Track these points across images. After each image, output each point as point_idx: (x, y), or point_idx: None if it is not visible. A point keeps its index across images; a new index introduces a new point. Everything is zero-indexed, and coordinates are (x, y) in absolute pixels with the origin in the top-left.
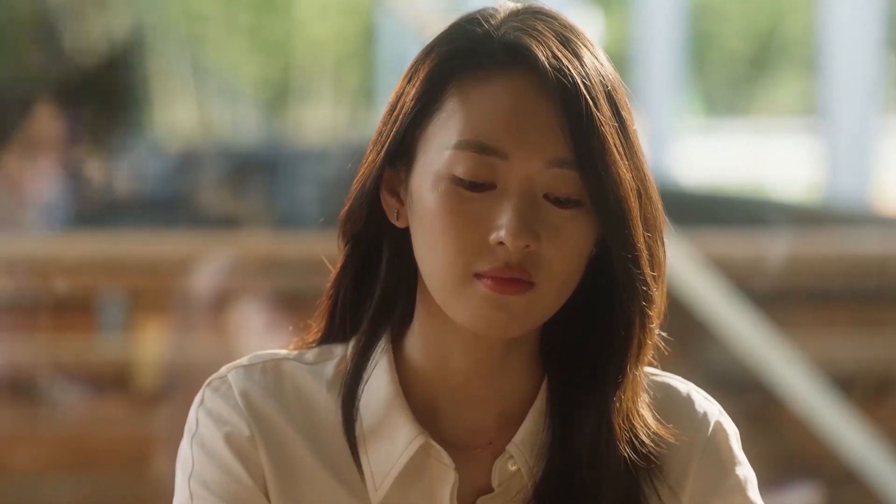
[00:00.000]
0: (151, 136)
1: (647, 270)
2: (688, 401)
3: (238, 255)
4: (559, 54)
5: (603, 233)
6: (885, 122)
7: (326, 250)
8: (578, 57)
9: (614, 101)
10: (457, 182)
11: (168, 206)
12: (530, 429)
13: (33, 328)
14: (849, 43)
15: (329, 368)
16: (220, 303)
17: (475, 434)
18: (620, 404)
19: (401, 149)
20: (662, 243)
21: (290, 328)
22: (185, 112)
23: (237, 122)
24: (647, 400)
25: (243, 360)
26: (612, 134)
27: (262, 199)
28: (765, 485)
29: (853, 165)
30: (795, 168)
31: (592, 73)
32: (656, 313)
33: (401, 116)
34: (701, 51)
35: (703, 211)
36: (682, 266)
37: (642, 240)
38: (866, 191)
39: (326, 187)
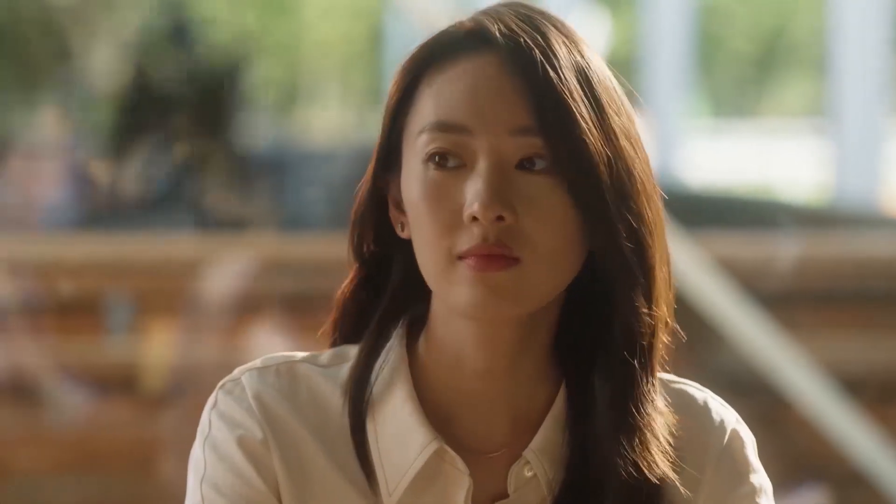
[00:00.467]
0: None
1: (624, 242)
2: (704, 408)
3: (251, 258)
4: (517, 28)
5: (573, 201)
6: (893, 124)
7: (334, 252)
8: (540, 32)
9: (587, 77)
10: (430, 166)
11: (175, 207)
12: (547, 435)
13: (40, 330)
14: (857, 44)
15: (343, 371)
16: (233, 306)
17: (490, 439)
18: (635, 409)
19: (390, 157)
20: (647, 225)
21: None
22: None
23: (244, 123)
24: (661, 408)
25: (257, 363)
26: (577, 102)
27: (270, 200)
28: (773, 488)
29: (861, 167)
30: (803, 169)
31: (556, 46)
32: (649, 301)
33: (383, 125)
34: (708, 52)
35: (711, 212)
36: (690, 268)
37: (614, 211)
38: (874, 192)
39: (334, 189)
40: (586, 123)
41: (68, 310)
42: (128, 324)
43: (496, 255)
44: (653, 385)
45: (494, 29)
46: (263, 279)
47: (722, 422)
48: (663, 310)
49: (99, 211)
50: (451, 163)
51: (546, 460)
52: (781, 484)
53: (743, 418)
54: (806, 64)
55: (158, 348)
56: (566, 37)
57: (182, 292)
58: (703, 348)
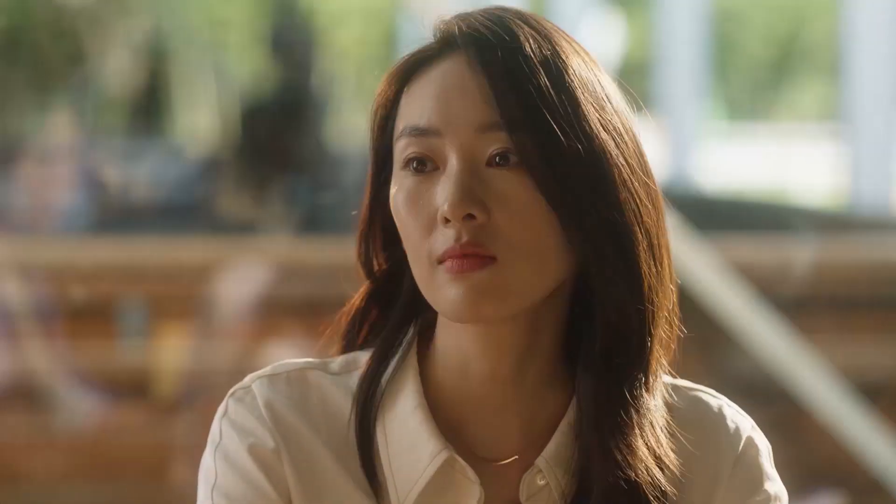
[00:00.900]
0: (172, 141)
1: (600, 235)
2: (719, 415)
3: (266, 262)
4: (481, 28)
5: (543, 194)
6: None
7: (347, 256)
8: (507, 29)
9: (560, 71)
10: (408, 172)
11: (188, 211)
12: (560, 442)
13: (52, 334)
14: (872, 48)
15: (354, 379)
16: (247, 311)
17: (501, 446)
18: (624, 413)
19: (385, 169)
20: (629, 217)
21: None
22: (206, 117)
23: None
24: (666, 418)
25: (267, 370)
26: (544, 95)
27: (283, 204)
28: (789, 495)
29: (877, 171)
30: (818, 173)
31: (523, 41)
32: (637, 296)
33: (371, 139)
34: (723, 56)
35: (726, 217)
36: (705, 272)
37: (587, 204)
38: (890, 196)
39: (348, 192)
40: (553, 116)
41: (81, 314)
42: (141, 328)
43: (470, 255)
44: (650, 385)
45: (461, 30)
46: (279, 284)
47: (737, 429)
48: (661, 304)
49: (112, 215)
50: (428, 167)
51: (559, 468)
52: (798, 491)
53: (759, 425)
54: (821, 68)
55: (171, 353)
56: (537, 32)
57: (196, 297)
58: (719, 354)
